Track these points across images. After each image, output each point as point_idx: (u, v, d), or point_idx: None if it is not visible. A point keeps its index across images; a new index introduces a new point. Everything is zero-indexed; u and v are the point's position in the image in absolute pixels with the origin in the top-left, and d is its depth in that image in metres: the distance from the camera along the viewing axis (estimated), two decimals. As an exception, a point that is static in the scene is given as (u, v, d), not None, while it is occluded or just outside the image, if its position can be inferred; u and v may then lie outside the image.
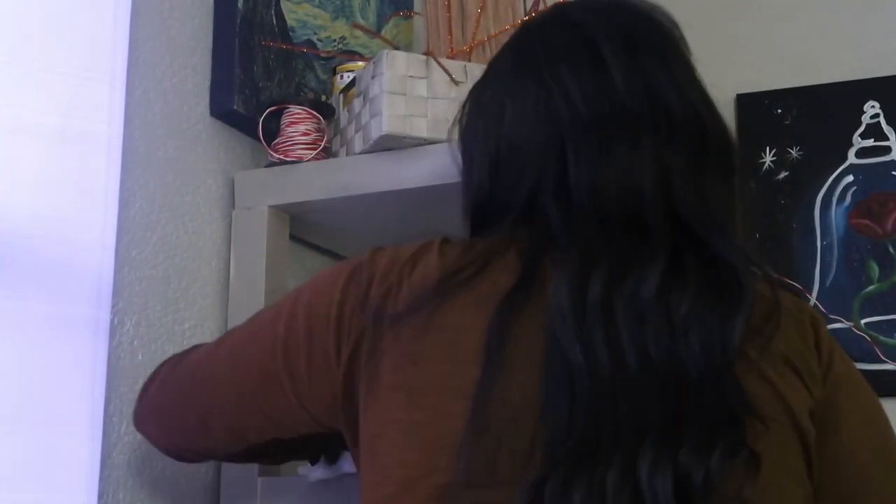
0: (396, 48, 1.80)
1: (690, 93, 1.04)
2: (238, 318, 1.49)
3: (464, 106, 1.13)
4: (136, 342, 1.39)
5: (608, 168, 0.99)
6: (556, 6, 1.16)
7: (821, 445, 0.99)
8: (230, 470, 1.48)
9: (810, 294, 1.94)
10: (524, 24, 1.17)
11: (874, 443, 1.04)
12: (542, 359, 0.92)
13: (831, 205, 1.98)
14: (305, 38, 1.73)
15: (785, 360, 0.98)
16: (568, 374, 0.90)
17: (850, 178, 1.98)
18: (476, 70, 1.47)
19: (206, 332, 1.51)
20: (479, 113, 1.10)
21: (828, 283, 1.95)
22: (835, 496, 1.01)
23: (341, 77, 1.64)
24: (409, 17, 1.95)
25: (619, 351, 0.91)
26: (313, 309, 1.04)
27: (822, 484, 1.00)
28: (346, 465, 1.30)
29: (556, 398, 0.90)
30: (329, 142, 1.58)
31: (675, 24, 1.10)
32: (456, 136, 1.14)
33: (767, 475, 0.91)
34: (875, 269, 1.93)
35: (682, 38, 1.10)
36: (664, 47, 1.07)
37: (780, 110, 2.03)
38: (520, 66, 1.08)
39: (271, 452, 1.22)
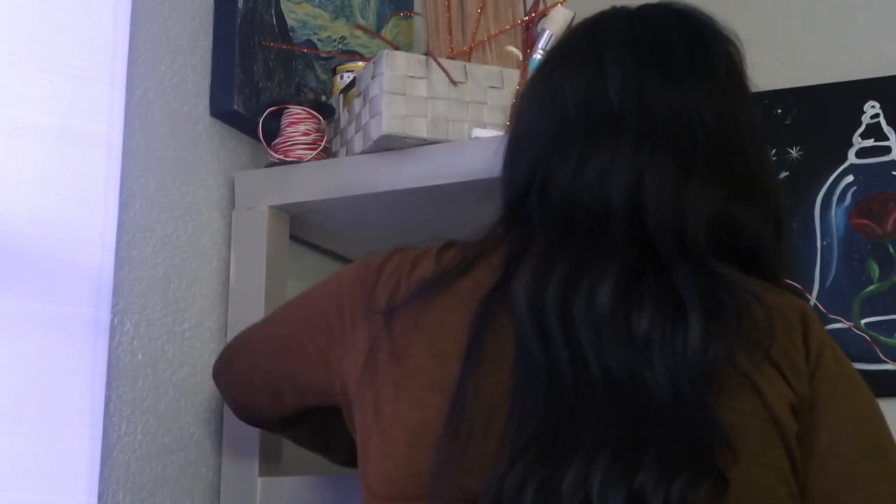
0: (396, 48, 1.80)
1: (697, 106, 1.03)
2: (238, 317, 1.49)
3: None
4: (136, 342, 1.39)
5: (584, 176, 1.01)
6: (601, 12, 1.15)
7: (805, 441, 0.98)
8: (230, 470, 1.48)
9: (810, 294, 1.94)
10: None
11: (864, 439, 1.01)
12: (514, 357, 0.95)
13: (831, 205, 1.98)
14: (305, 38, 1.73)
15: (765, 354, 0.97)
16: (533, 372, 0.93)
17: (850, 178, 1.98)
18: (476, 70, 1.47)
19: (206, 332, 1.51)
20: (518, 111, 1.16)
21: (828, 283, 1.95)
22: (820, 492, 0.98)
23: (341, 77, 1.64)
24: (409, 17, 1.95)
25: (581, 356, 0.92)
26: (329, 296, 1.13)
27: (807, 480, 0.98)
28: None
29: (522, 396, 0.93)
30: (329, 142, 1.58)
31: (720, 38, 1.12)
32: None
33: (744, 471, 0.90)
34: (875, 269, 1.93)
35: (719, 51, 1.09)
36: (688, 59, 1.06)
37: (779, 110, 2.03)
38: (540, 68, 1.14)
39: (319, 439, 1.33)
